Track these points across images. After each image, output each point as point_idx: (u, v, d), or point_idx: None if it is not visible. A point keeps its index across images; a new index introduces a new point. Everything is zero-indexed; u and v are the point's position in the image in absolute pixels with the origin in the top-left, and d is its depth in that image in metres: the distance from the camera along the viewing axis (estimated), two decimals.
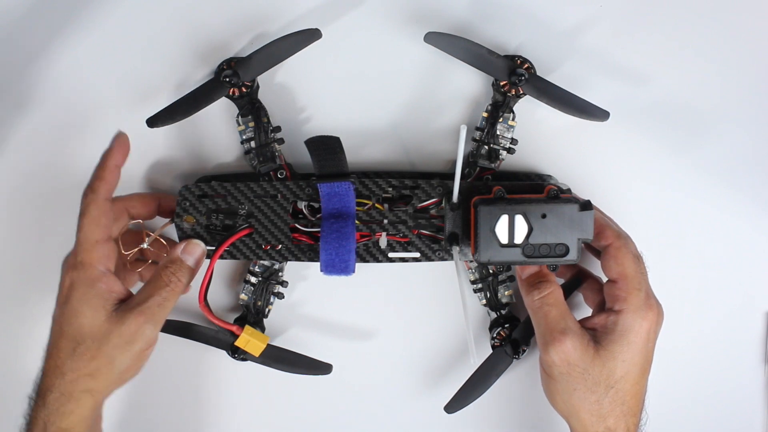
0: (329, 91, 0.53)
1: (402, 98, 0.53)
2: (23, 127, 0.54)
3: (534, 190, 0.47)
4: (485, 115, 0.51)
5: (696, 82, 0.53)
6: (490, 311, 0.54)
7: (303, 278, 0.55)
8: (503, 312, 0.53)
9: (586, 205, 0.45)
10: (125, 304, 0.46)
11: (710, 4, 0.52)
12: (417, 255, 0.51)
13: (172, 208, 0.51)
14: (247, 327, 0.51)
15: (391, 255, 0.51)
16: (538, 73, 0.51)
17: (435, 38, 0.49)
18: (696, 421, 0.56)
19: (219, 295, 0.55)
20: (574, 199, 0.45)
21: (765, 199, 0.54)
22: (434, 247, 0.51)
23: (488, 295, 0.53)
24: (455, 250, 0.48)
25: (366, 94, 0.53)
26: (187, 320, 0.52)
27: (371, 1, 0.52)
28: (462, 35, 0.49)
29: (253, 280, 0.53)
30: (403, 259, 0.51)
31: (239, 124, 0.52)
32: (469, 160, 0.52)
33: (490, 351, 0.52)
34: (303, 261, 0.51)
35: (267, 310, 0.53)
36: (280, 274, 0.53)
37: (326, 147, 0.47)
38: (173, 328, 0.52)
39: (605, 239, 0.47)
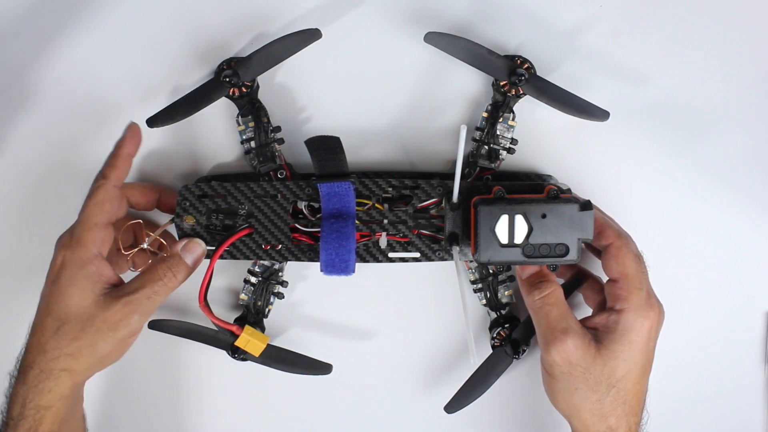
0: (329, 91, 0.53)
1: (402, 98, 0.53)
2: (23, 126, 0.54)
3: (534, 190, 0.47)
4: (485, 115, 0.51)
5: (696, 82, 0.53)
6: (490, 311, 0.54)
7: (303, 278, 0.55)
8: (503, 312, 0.53)
9: (586, 205, 0.45)
10: (115, 290, 0.46)
11: (710, 4, 0.52)
12: (417, 255, 0.51)
13: (172, 204, 0.51)
14: (247, 327, 0.51)
15: (391, 255, 0.51)
16: (538, 73, 0.51)
17: (435, 38, 0.49)
18: (696, 421, 0.56)
19: (219, 295, 0.55)
20: (574, 199, 0.45)
21: (765, 199, 0.54)
22: (434, 247, 0.51)
23: (488, 295, 0.53)
24: (455, 250, 0.48)
25: (366, 94, 0.53)
26: (187, 320, 0.52)
27: (371, 1, 0.52)
28: (462, 35, 0.49)
29: (253, 280, 0.53)
30: (403, 259, 0.51)
31: (239, 124, 0.52)
32: (469, 160, 0.52)
33: (490, 351, 0.52)
34: (303, 261, 0.51)
35: (267, 310, 0.53)
36: (280, 274, 0.53)
37: (326, 147, 0.47)
38: (173, 328, 0.52)
39: (606, 239, 0.47)
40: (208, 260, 0.49)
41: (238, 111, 0.52)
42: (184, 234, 0.50)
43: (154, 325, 0.51)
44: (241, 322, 0.53)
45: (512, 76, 0.49)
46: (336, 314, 0.56)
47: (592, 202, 0.45)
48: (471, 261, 0.51)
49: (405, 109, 0.54)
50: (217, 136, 0.54)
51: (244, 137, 0.52)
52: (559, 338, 0.45)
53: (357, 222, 0.50)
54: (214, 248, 0.50)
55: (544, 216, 0.45)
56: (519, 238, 0.45)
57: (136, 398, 0.57)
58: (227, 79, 0.49)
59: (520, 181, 0.51)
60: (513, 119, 0.51)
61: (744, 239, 0.55)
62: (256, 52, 0.49)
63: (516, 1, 0.52)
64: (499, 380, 0.52)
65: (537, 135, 0.53)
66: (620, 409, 0.45)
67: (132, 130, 0.49)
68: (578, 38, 0.53)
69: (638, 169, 0.54)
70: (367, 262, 0.51)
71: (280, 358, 0.52)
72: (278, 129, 0.52)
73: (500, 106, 0.51)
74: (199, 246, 0.49)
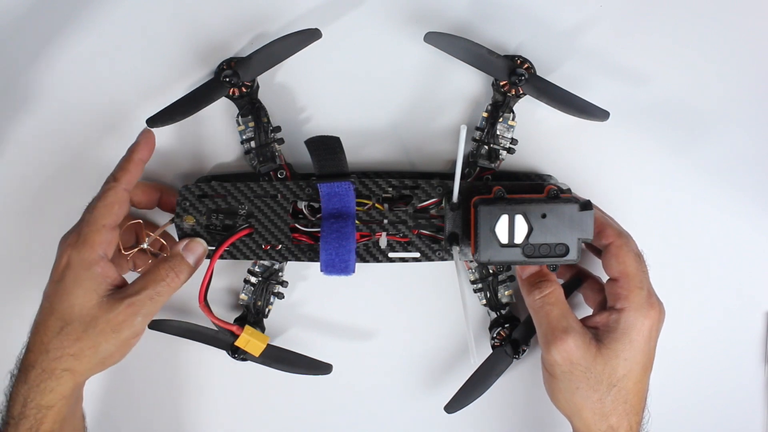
0: (329, 91, 0.53)
1: (402, 98, 0.53)
2: (23, 126, 0.54)
3: (534, 190, 0.47)
4: (485, 115, 0.51)
5: (696, 82, 0.53)
6: (490, 311, 0.54)
7: (303, 278, 0.55)
8: (503, 312, 0.53)
9: (586, 205, 0.45)
10: (118, 291, 0.46)
11: (710, 4, 0.52)
12: (417, 255, 0.51)
13: (173, 203, 0.51)
14: (247, 327, 0.51)
15: (391, 255, 0.51)
16: (538, 73, 0.51)
17: (435, 38, 0.49)
18: (696, 420, 0.56)
19: (219, 295, 0.55)
20: (574, 199, 0.45)
21: (765, 199, 0.54)
22: (434, 247, 0.51)
23: (488, 295, 0.53)
24: (455, 250, 0.48)
25: (366, 94, 0.53)
26: (187, 320, 0.52)
27: (371, 1, 0.52)
28: (462, 35, 0.49)
29: (253, 280, 0.53)
30: (403, 259, 0.51)
31: (239, 124, 0.52)
32: (469, 160, 0.52)
33: (490, 351, 0.52)
34: (303, 261, 0.51)
35: (267, 310, 0.53)
36: (280, 274, 0.53)
37: (326, 147, 0.47)
38: (173, 328, 0.52)
39: (606, 238, 0.47)
40: (208, 260, 0.49)
41: (238, 111, 0.52)
42: (184, 234, 0.50)
43: (154, 325, 0.51)
44: (241, 322, 0.53)
45: (512, 76, 0.49)
46: (336, 314, 0.56)
47: (592, 201, 0.45)
48: (471, 261, 0.51)
49: (405, 109, 0.54)
50: (217, 136, 0.54)
51: (244, 137, 0.52)
52: (560, 338, 0.45)
53: (357, 222, 0.50)
54: (214, 248, 0.50)
55: (544, 216, 0.45)
56: (519, 238, 0.45)
57: (136, 398, 0.57)
58: (227, 79, 0.49)
59: (520, 181, 0.51)
60: (513, 119, 0.51)
61: (744, 239, 0.55)
62: (256, 52, 0.49)
63: (516, 1, 0.52)
64: (499, 380, 0.52)
65: (537, 135, 0.53)
66: (621, 408, 0.45)
67: (146, 136, 0.49)
68: (578, 38, 0.53)
69: (638, 169, 0.54)
70: (367, 262, 0.51)
71: (280, 358, 0.52)
72: (278, 129, 0.52)
73: (500, 106, 0.51)
74: (201, 245, 0.49)
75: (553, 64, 0.52)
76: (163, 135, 0.53)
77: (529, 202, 0.45)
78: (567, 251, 0.45)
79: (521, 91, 0.50)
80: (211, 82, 0.51)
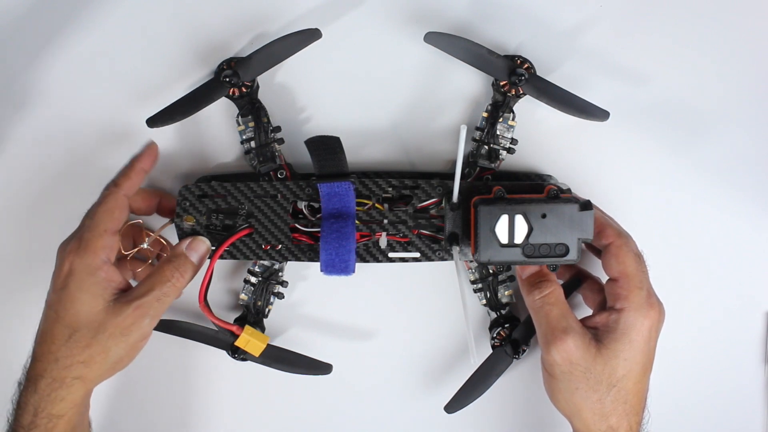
0: (329, 91, 0.53)
1: (402, 98, 0.53)
2: (23, 126, 0.54)
3: (534, 190, 0.47)
4: (485, 115, 0.51)
5: (696, 82, 0.53)
6: (490, 311, 0.54)
7: (303, 278, 0.55)
8: (503, 312, 0.53)
9: (586, 205, 0.45)
10: (124, 295, 0.46)
11: (710, 4, 0.52)
12: (417, 255, 0.51)
13: (172, 207, 0.51)
14: (247, 327, 0.51)
15: (391, 255, 0.51)
16: (538, 73, 0.51)
17: (435, 38, 0.49)
18: (696, 420, 0.56)
19: (219, 295, 0.55)
20: (574, 199, 0.45)
21: (765, 199, 0.54)
22: (434, 247, 0.51)
23: (488, 295, 0.53)
24: (455, 250, 0.48)
25: (366, 94, 0.53)
26: (187, 320, 0.52)
27: (371, 1, 0.52)
28: (462, 35, 0.49)
29: (253, 280, 0.53)
30: (403, 259, 0.51)
31: (239, 124, 0.52)
32: (469, 160, 0.52)
33: (490, 351, 0.52)
34: (303, 261, 0.51)
35: (267, 310, 0.53)
36: (280, 274, 0.53)
37: (326, 147, 0.47)
38: (173, 328, 0.52)
39: (606, 238, 0.47)
40: (208, 260, 0.49)
41: (238, 111, 0.52)
42: (184, 234, 0.50)
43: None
44: (241, 322, 0.53)
45: (512, 76, 0.49)
46: (336, 314, 0.56)
47: (592, 201, 0.45)
48: (471, 261, 0.51)
49: (405, 109, 0.54)
50: (217, 136, 0.54)
51: (244, 137, 0.52)
52: (560, 338, 0.45)
53: (357, 222, 0.50)
54: (214, 248, 0.50)
55: (544, 216, 0.45)
56: (519, 238, 0.45)
57: (135, 398, 0.57)
58: (227, 79, 0.49)
59: (520, 181, 0.51)
60: (513, 119, 0.51)
61: (744, 239, 0.55)
62: (256, 52, 0.49)
63: (516, 1, 0.52)
64: (499, 380, 0.52)
65: (537, 135, 0.53)
66: (621, 408, 0.45)
67: (150, 147, 0.51)
68: (578, 38, 0.53)
69: (638, 169, 0.54)
70: (367, 262, 0.51)
71: (280, 358, 0.52)
72: (278, 129, 0.52)
73: (500, 106, 0.51)
74: (203, 243, 0.49)
75: (553, 64, 0.52)
76: (163, 135, 0.53)
77: (529, 202, 0.45)
78: (567, 251, 0.45)
79: (521, 91, 0.50)
80: (211, 82, 0.51)
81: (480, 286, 0.53)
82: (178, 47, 0.53)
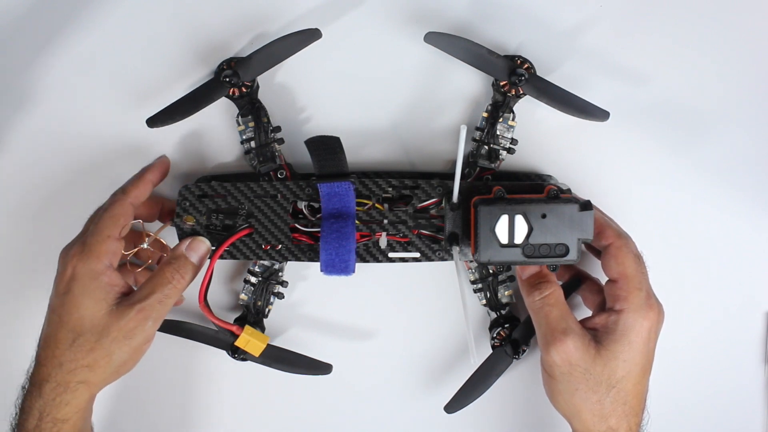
0: (329, 91, 0.53)
1: (402, 98, 0.53)
2: (23, 127, 0.54)
3: (534, 190, 0.47)
4: (485, 115, 0.51)
5: (696, 82, 0.53)
6: (490, 311, 0.54)
7: (303, 278, 0.55)
8: (503, 312, 0.53)
9: (586, 205, 0.45)
10: (126, 298, 0.46)
11: (710, 4, 0.52)
12: (417, 255, 0.51)
13: (173, 212, 0.51)
14: (247, 327, 0.51)
15: (391, 255, 0.51)
16: (538, 73, 0.51)
17: (435, 38, 0.49)
18: (696, 421, 0.56)
19: (219, 295, 0.55)
20: (574, 199, 0.45)
21: (765, 199, 0.54)
22: (434, 247, 0.51)
23: (488, 295, 0.53)
24: (455, 250, 0.48)
25: (366, 94, 0.53)
26: (187, 320, 0.52)
27: (371, 1, 0.52)
28: (462, 35, 0.49)
29: (253, 280, 0.53)
30: (403, 259, 0.51)
31: (239, 124, 0.52)
32: (469, 160, 0.52)
33: (490, 351, 0.52)
34: (303, 261, 0.51)
35: (267, 310, 0.53)
36: (280, 274, 0.53)
37: (326, 147, 0.47)
38: (173, 328, 0.52)
39: (606, 239, 0.47)
40: (208, 260, 0.49)
41: (238, 111, 0.52)
42: (184, 234, 0.50)
43: None
44: (241, 322, 0.53)
45: (512, 76, 0.49)
46: (336, 314, 0.56)
47: (592, 202, 0.45)
48: (471, 261, 0.51)
49: (405, 109, 0.54)
50: (217, 136, 0.54)
51: (244, 137, 0.52)
52: (559, 339, 0.45)
53: (357, 222, 0.50)
54: (214, 248, 0.50)
55: (544, 216, 0.45)
56: (519, 238, 0.45)
57: (135, 397, 0.57)
58: (227, 79, 0.49)
59: (520, 181, 0.51)
60: (513, 119, 0.51)
61: (744, 239, 0.55)
62: (256, 52, 0.49)
63: (516, 1, 0.52)
64: (499, 380, 0.52)
65: (537, 135, 0.53)
66: (621, 409, 0.45)
67: (161, 161, 0.52)
68: (578, 38, 0.53)
69: (638, 169, 0.54)
70: (367, 262, 0.51)
71: (280, 358, 0.52)
72: (278, 129, 0.52)
73: (500, 106, 0.51)
74: (203, 244, 0.49)
75: (553, 64, 0.52)
76: (163, 135, 0.53)
77: (529, 202, 0.45)
78: (567, 251, 0.45)
79: (521, 91, 0.50)
80: (211, 82, 0.51)
81: (480, 286, 0.53)
82: (178, 47, 0.53)
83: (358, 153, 0.53)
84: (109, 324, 0.45)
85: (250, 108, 0.51)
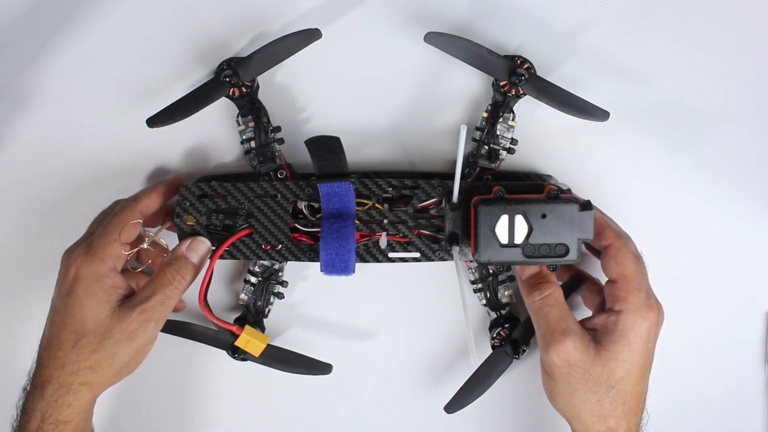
0: (329, 91, 0.53)
1: (402, 98, 0.53)
2: (23, 127, 0.54)
3: (534, 190, 0.47)
4: (485, 115, 0.51)
5: (696, 82, 0.53)
6: (490, 311, 0.54)
7: (303, 278, 0.55)
8: (503, 312, 0.53)
9: (586, 205, 0.45)
10: (128, 300, 0.46)
11: (710, 4, 0.52)
12: (417, 255, 0.51)
13: (173, 212, 0.51)
14: (247, 327, 0.51)
15: (391, 255, 0.51)
16: (538, 73, 0.51)
17: (435, 38, 0.49)
18: (696, 421, 0.56)
19: (219, 295, 0.55)
20: (574, 199, 0.45)
21: (765, 199, 0.54)
22: (434, 247, 0.51)
23: (488, 295, 0.53)
24: (455, 250, 0.48)
25: (366, 94, 0.53)
26: (187, 320, 0.52)
27: (371, 1, 0.52)
28: (462, 35, 0.49)
29: (253, 280, 0.53)
30: (403, 259, 0.51)
31: (239, 124, 0.52)
32: (469, 160, 0.52)
33: (490, 351, 0.52)
34: (303, 261, 0.51)
35: (267, 310, 0.53)
36: (280, 274, 0.53)
37: (326, 147, 0.47)
38: (173, 328, 0.52)
39: (605, 239, 0.47)
40: (208, 260, 0.49)
41: (238, 111, 0.52)
42: (184, 234, 0.50)
43: None
44: (241, 322, 0.53)
45: (512, 76, 0.49)
46: (336, 314, 0.56)
47: (592, 202, 0.45)
48: (471, 261, 0.51)
49: (405, 109, 0.54)
50: (217, 136, 0.54)
51: (244, 137, 0.52)
52: (559, 339, 0.45)
53: (357, 222, 0.50)
54: (214, 248, 0.50)
55: (544, 216, 0.45)
56: (519, 238, 0.45)
57: (135, 397, 0.57)
58: (227, 79, 0.49)
59: (520, 181, 0.51)
60: (513, 119, 0.51)
61: (744, 239, 0.55)
62: (256, 52, 0.49)
63: (516, 1, 0.52)
64: (499, 380, 0.52)
65: (537, 135, 0.53)
66: (620, 409, 0.45)
67: (176, 178, 0.52)
68: (578, 38, 0.53)
69: (638, 169, 0.54)
70: (367, 262, 0.51)
71: (280, 358, 0.52)
72: (278, 129, 0.52)
73: (500, 106, 0.51)
74: (204, 244, 0.49)
75: (553, 64, 0.52)
76: (163, 135, 0.53)
77: (529, 202, 0.45)
78: (567, 251, 0.45)
79: (521, 91, 0.50)
80: (211, 82, 0.51)
81: (480, 286, 0.53)
82: (178, 47, 0.53)
83: (358, 153, 0.53)
84: (111, 326, 0.45)
85: (250, 108, 0.51)
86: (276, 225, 0.50)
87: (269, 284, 0.53)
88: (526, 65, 0.50)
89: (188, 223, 0.50)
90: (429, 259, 0.51)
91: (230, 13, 0.52)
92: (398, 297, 0.55)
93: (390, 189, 0.50)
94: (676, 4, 0.52)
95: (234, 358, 0.52)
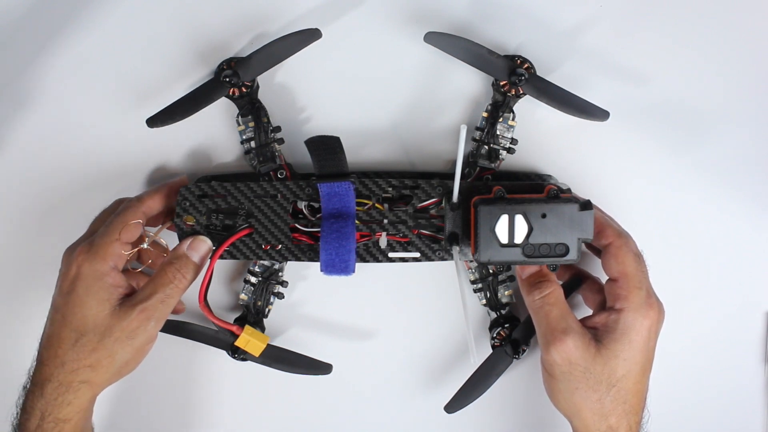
0: (329, 91, 0.53)
1: (402, 98, 0.53)
2: (23, 127, 0.54)
3: (534, 190, 0.47)
4: (485, 115, 0.51)
5: (696, 82, 0.53)
6: (490, 311, 0.54)
7: (303, 278, 0.55)
8: (503, 312, 0.53)
9: (586, 205, 0.45)
10: (128, 299, 0.46)
11: (710, 4, 0.52)
12: (417, 255, 0.51)
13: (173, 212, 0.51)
14: (247, 327, 0.51)
15: (391, 255, 0.51)
16: (538, 73, 0.51)
17: (435, 38, 0.49)
18: (696, 420, 0.56)
19: (219, 295, 0.55)
20: (574, 199, 0.45)
21: (765, 199, 0.54)
22: (434, 247, 0.51)
23: (488, 295, 0.53)
24: (455, 250, 0.48)
25: (366, 94, 0.53)
26: (187, 320, 0.52)
27: (371, 1, 0.52)
28: (462, 35, 0.49)
29: (253, 280, 0.53)
30: (403, 259, 0.51)
31: (239, 124, 0.52)
32: (469, 160, 0.52)
33: (490, 351, 0.52)
34: (303, 261, 0.51)
35: (267, 310, 0.53)
36: (280, 274, 0.53)
37: (326, 147, 0.47)
38: (173, 327, 0.52)
39: (606, 238, 0.47)
40: (209, 260, 0.49)
41: (238, 111, 0.52)
42: (184, 234, 0.50)
43: None
44: (241, 322, 0.53)
45: (512, 76, 0.49)
46: (336, 314, 0.56)
47: (592, 201, 0.45)
48: (471, 261, 0.51)
49: (405, 109, 0.54)
50: (217, 136, 0.54)
51: (244, 137, 0.52)
52: (559, 338, 0.45)
53: (357, 222, 0.50)
54: (214, 248, 0.50)
55: (544, 216, 0.45)
56: (519, 238, 0.45)
57: (135, 397, 0.57)
58: (227, 79, 0.49)
59: (520, 181, 0.51)
60: (513, 119, 0.51)
61: (744, 239, 0.55)
62: (256, 52, 0.49)
63: (516, 1, 0.52)
64: (499, 380, 0.52)
65: (537, 135, 0.53)
66: (621, 408, 0.45)
67: (181, 179, 0.52)
68: (578, 38, 0.53)
69: (638, 169, 0.54)
70: (367, 262, 0.51)
71: (280, 358, 0.52)
72: (278, 129, 0.52)
73: (500, 106, 0.51)
74: (204, 243, 0.49)
75: (553, 64, 0.52)
76: (163, 135, 0.53)
77: (529, 202, 0.45)
78: (567, 251, 0.45)
79: (521, 91, 0.50)
80: (211, 82, 0.51)
81: (480, 286, 0.53)
82: (178, 47, 0.53)
83: (358, 153, 0.53)
84: (111, 324, 0.45)
85: (250, 108, 0.51)
86: (276, 225, 0.50)
87: (269, 284, 0.53)
88: (526, 65, 0.50)
89: (188, 223, 0.50)
90: (429, 259, 0.51)
91: (230, 13, 0.52)
92: (398, 297, 0.55)
93: (390, 189, 0.50)
94: (676, 4, 0.52)
95: (234, 358, 0.52)
